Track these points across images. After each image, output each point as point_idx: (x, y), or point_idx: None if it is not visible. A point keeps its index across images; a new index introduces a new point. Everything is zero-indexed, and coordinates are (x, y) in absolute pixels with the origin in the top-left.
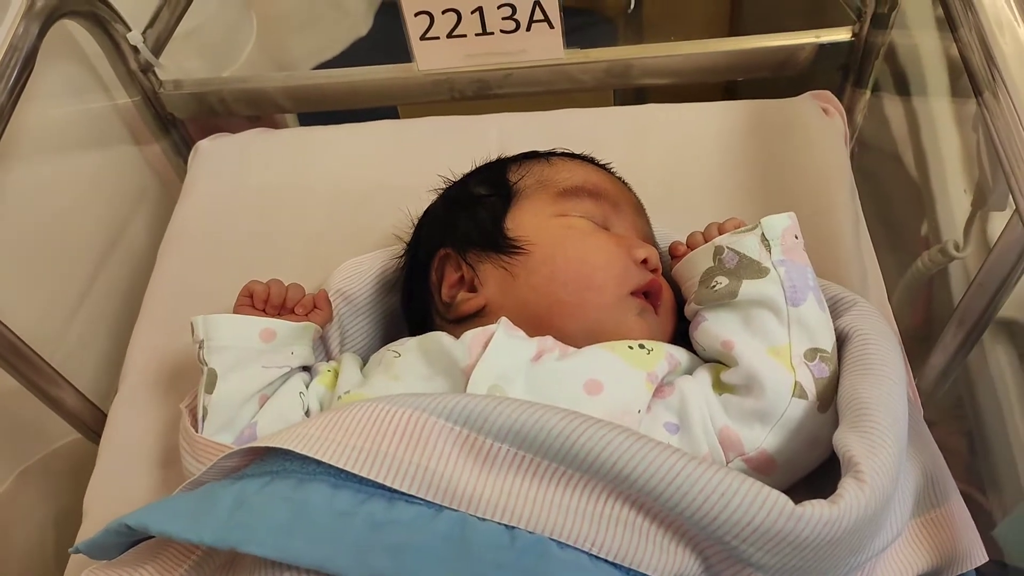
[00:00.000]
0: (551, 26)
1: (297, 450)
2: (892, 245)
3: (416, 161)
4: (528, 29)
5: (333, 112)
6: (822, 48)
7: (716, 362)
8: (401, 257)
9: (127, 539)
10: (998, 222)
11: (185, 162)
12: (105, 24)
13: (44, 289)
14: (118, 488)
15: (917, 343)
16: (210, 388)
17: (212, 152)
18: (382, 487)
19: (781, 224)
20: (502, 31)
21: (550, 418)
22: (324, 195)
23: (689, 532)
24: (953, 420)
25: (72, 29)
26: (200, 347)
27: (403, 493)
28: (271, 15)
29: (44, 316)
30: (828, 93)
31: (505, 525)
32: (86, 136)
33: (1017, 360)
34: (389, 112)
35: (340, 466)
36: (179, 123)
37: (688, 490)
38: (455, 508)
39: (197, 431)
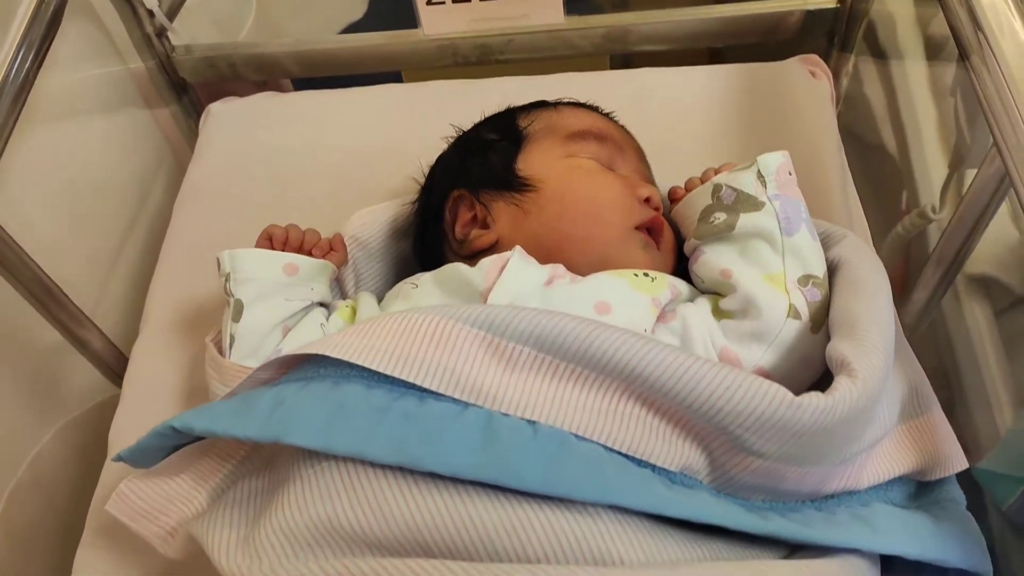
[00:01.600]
0: None
1: (332, 355)
2: (876, 203)
3: (421, 123)
4: None
5: (335, 79)
6: (809, 14)
7: (714, 294)
8: (414, 202)
9: (170, 444)
10: None
11: (195, 125)
12: None
13: (68, 241)
14: (141, 423)
15: (897, 290)
16: (237, 317)
17: (223, 114)
18: (413, 386)
19: (776, 161)
20: None
21: (568, 323)
22: (332, 155)
23: (696, 426)
24: (934, 377)
25: None
26: (226, 280)
27: (432, 392)
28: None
29: (69, 266)
30: (816, 57)
31: (527, 420)
32: (102, 100)
33: (991, 313)
34: (393, 78)
35: (374, 367)
36: (190, 87)
37: (695, 385)
38: (481, 405)
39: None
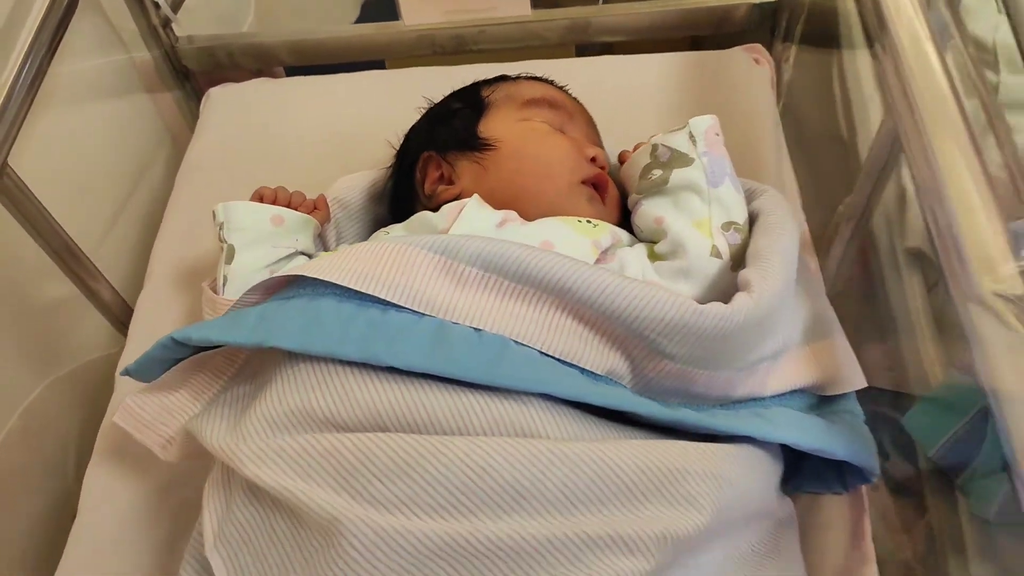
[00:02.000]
0: None
1: (310, 275)
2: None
3: (401, 105)
4: None
5: (323, 67)
6: (754, 7)
7: (651, 242)
8: (389, 168)
9: (170, 356)
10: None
11: (196, 109)
12: None
13: (83, 208)
14: None
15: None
16: (229, 260)
17: (222, 97)
18: (378, 300)
19: (705, 123)
20: None
21: (509, 248)
22: (321, 133)
23: (618, 334)
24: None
25: None
26: (220, 228)
27: (394, 304)
28: (269, 2)
29: (81, 230)
30: (759, 46)
31: (474, 328)
32: (108, 86)
33: (924, 285)
34: (377, 67)
35: (345, 284)
36: (191, 75)
37: (616, 297)
38: (434, 315)
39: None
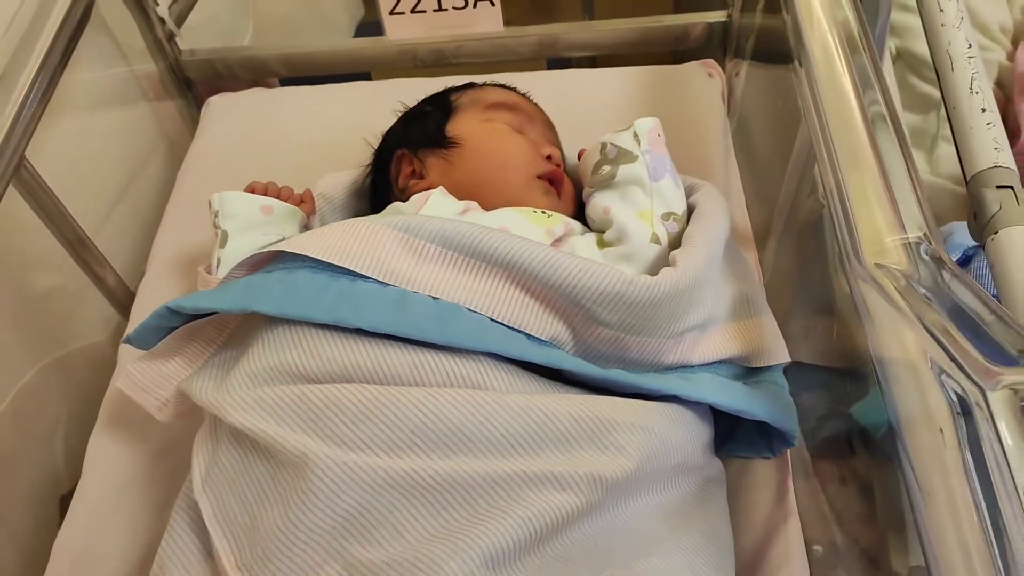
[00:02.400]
0: (492, 4)
1: (289, 250)
2: (762, 183)
3: (384, 112)
4: (475, 7)
5: (314, 78)
6: (709, 26)
7: (601, 231)
8: (368, 166)
9: (166, 325)
10: None
11: (195, 117)
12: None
13: (90, 203)
14: None
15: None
16: (223, 244)
17: (220, 105)
18: (348, 272)
19: (648, 125)
20: (454, 7)
21: (465, 227)
22: (310, 137)
23: (559, 304)
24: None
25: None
26: (215, 216)
27: (362, 275)
28: (266, 22)
29: (90, 223)
30: (711, 61)
31: (432, 296)
32: (115, 94)
33: None
34: (363, 79)
35: (319, 257)
36: (192, 85)
37: (557, 269)
38: (397, 285)
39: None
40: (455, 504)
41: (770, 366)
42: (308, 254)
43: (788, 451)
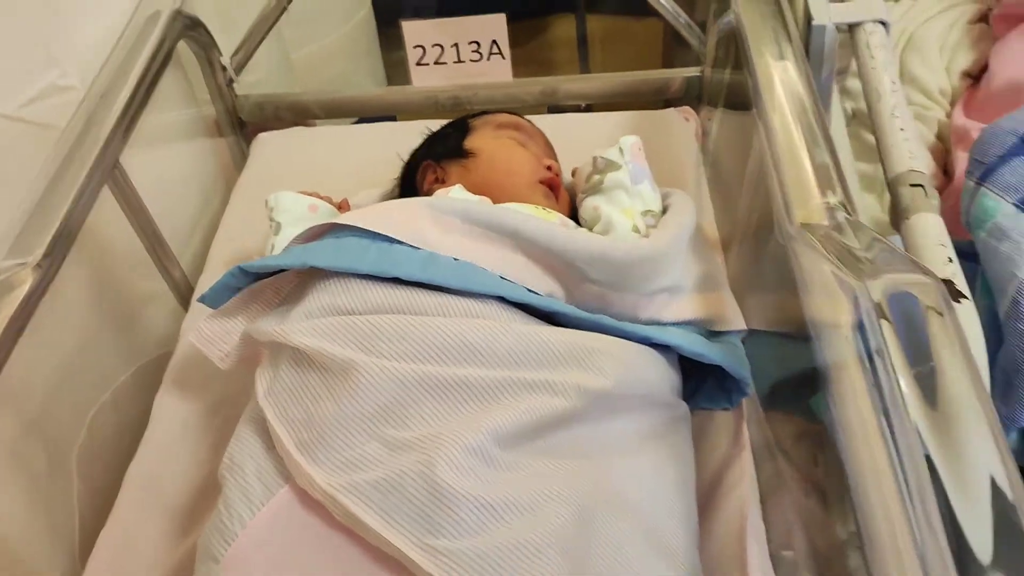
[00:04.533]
0: (503, 57)
1: (339, 222)
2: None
3: (409, 147)
4: (488, 59)
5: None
6: (686, 79)
7: (590, 228)
8: (397, 178)
9: (235, 284)
10: None
11: (245, 151)
12: (207, 49)
13: (167, 216)
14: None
15: None
16: (276, 232)
17: (268, 140)
18: (387, 238)
19: (630, 140)
20: (471, 60)
21: (482, 206)
22: (344, 169)
23: (556, 265)
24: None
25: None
26: (271, 212)
27: (399, 241)
28: (308, 76)
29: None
30: (688, 108)
31: (454, 258)
32: (184, 131)
33: None
34: (390, 119)
35: (363, 226)
36: (244, 124)
37: (555, 237)
38: (426, 248)
39: None
40: (469, 400)
41: (729, 331)
42: (355, 224)
43: (744, 402)
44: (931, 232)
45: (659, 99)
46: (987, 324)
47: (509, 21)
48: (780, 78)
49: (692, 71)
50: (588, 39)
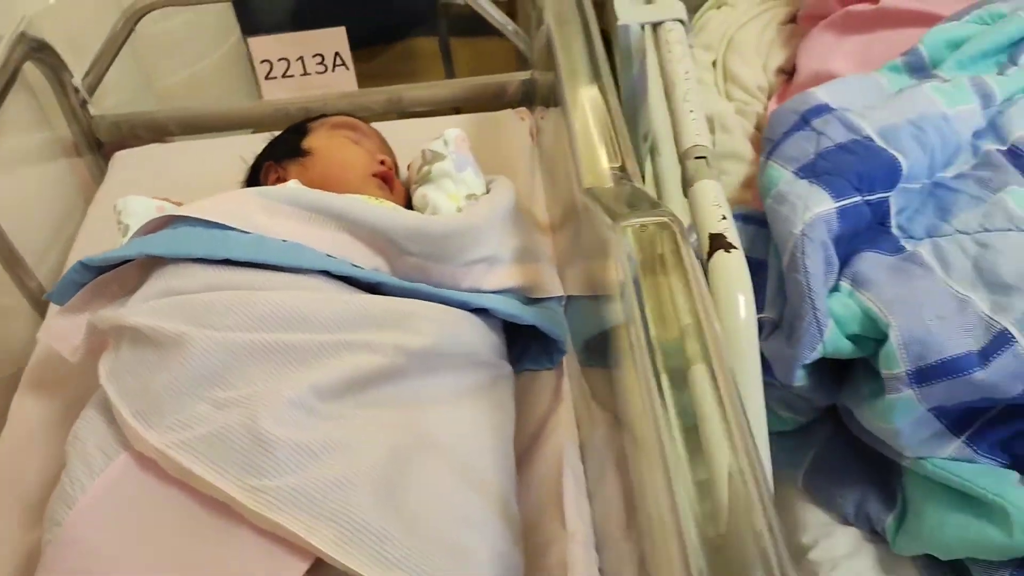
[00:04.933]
0: (347, 68)
1: (173, 213)
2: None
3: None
4: (333, 71)
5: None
6: (522, 83)
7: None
8: (243, 181)
9: (79, 279)
10: None
11: (103, 168)
12: (57, 71)
13: (22, 233)
14: None
15: None
16: (124, 235)
17: (126, 157)
18: (220, 225)
19: (453, 133)
20: (316, 72)
21: (309, 191)
22: (199, 181)
23: (377, 241)
24: None
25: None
26: (119, 216)
27: (232, 227)
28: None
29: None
30: (523, 108)
31: (282, 240)
32: (37, 152)
33: None
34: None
35: (196, 216)
36: (100, 144)
37: (374, 213)
38: (256, 232)
39: None
40: (293, 362)
41: (548, 297)
42: (189, 214)
43: (565, 360)
44: (709, 195)
45: (505, 103)
46: (779, 279)
47: (374, 43)
48: (578, 69)
49: (524, 75)
50: (452, 58)
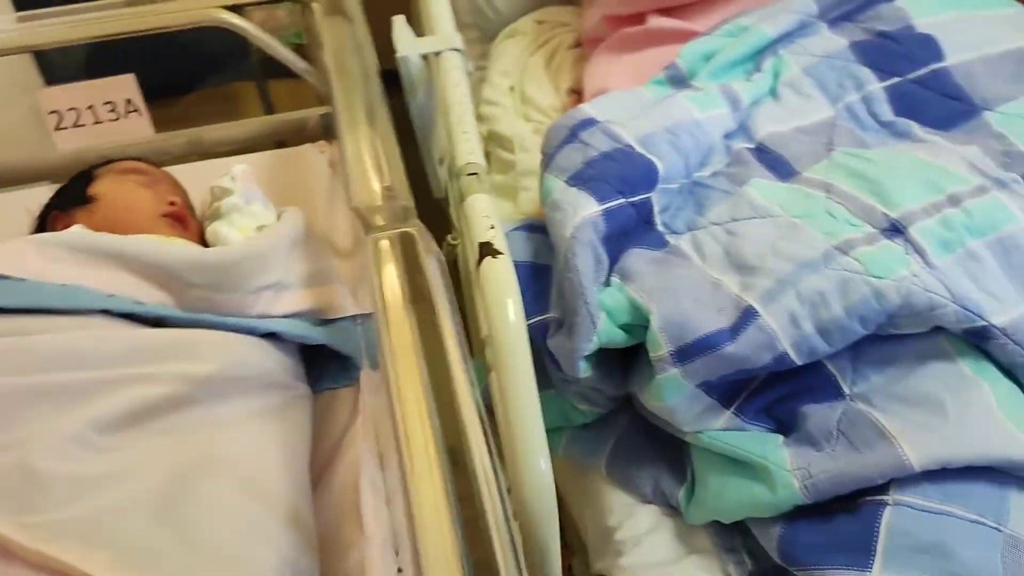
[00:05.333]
0: (140, 114)
1: None
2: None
3: None
4: (126, 117)
5: None
6: (321, 117)
7: None
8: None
9: None
10: None
11: None
12: None
13: None
14: None
15: None
16: None
17: None
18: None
19: (239, 168)
20: (109, 120)
21: (85, 234)
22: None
23: (159, 276)
24: None
25: None
26: None
27: (5, 276)
28: None
29: None
30: (323, 142)
31: (61, 284)
32: None
33: None
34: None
35: None
36: None
37: (152, 250)
38: (33, 279)
39: None
40: (70, 400)
41: (341, 318)
42: None
43: (363, 375)
44: (479, 208)
45: (306, 137)
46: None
47: (192, 88)
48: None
49: (323, 110)
50: (272, 99)
